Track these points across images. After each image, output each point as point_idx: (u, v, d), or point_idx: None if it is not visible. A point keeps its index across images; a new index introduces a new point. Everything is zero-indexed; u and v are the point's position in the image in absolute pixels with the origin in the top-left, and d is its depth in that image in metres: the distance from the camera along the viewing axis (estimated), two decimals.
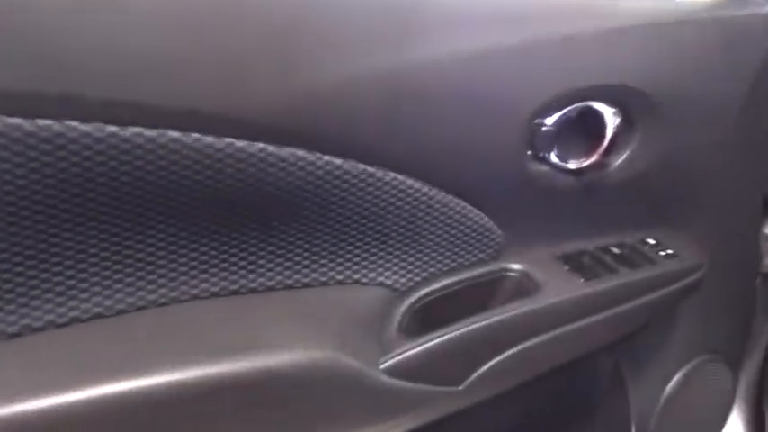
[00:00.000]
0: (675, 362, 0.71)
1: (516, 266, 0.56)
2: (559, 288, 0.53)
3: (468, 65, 0.46)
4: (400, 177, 0.48)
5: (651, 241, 0.60)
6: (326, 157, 0.44)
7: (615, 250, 0.59)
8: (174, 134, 0.38)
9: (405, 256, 0.52)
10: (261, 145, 0.41)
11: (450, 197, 0.50)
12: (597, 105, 0.52)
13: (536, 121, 0.50)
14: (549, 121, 0.51)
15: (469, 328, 0.48)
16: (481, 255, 0.55)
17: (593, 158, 0.54)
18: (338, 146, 0.44)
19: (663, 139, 0.56)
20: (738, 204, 0.65)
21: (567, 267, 0.55)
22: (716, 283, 0.64)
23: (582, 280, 0.54)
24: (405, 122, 0.45)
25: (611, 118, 0.53)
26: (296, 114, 0.41)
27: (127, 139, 0.37)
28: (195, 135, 0.39)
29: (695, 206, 0.63)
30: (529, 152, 0.52)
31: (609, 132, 0.53)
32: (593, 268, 0.56)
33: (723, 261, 0.65)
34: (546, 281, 0.54)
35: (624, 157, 0.55)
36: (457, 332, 0.48)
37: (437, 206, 0.50)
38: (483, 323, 0.49)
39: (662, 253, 0.58)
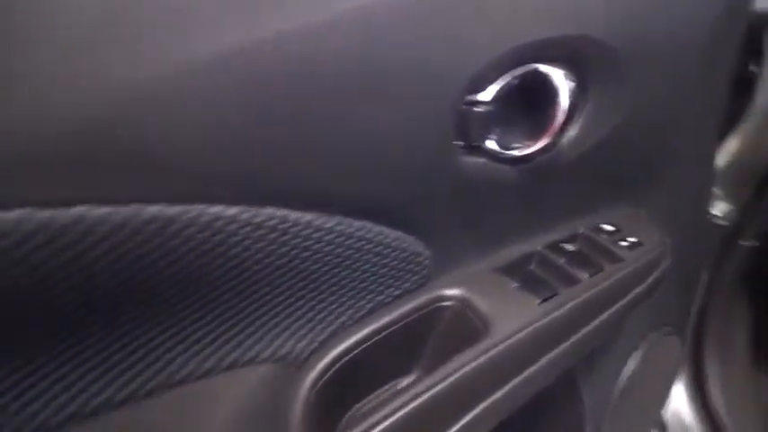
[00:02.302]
0: (629, 344, 0.62)
1: (451, 292, 0.41)
2: (511, 317, 0.39)
3: (356, 31, 0.29)
4: (278, 213, 0.31)
5: (608, 227, 0.48)
6: (158, 207, 0.26)
7: (568, 247, 0.46)
8: None
9: (299, 312, 0.36)
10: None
11: (354, 222, 0.35)
12: (544, 68, 0.37)
13: (466, 100, 0.35)
14: (484, 96, 0.35)
15: (404, 412, 0.34)
16: (405, 285, 0.40)
17: (545, 139, 0.39)
18: (172, 181, 0.27)
19: (619, 102, 0.42)
20: (699, 167, 0.54)
21: (514, 284, 0.42)
22: (675, 259, 0.54)
23: (537, 301, 0.41)
24: (269, 130, 0.28)
25: (563, 82, 0.38)
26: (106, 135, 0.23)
27: None
28: None
29: (655, 177, 0.52)
30: (458, 142, 0.37)
31: (563, 102, 0.39)
32: (547, 281, 0.43)
33: (684, 234, 0.54)
34: (492, 309, 0.40)
35: (576, 130, 0.42)
36: (388, 421, 0.33)
37: (338, 240, 0.34)
38: (423, 398, 0.34)
39: (624, 243, 0.46)
